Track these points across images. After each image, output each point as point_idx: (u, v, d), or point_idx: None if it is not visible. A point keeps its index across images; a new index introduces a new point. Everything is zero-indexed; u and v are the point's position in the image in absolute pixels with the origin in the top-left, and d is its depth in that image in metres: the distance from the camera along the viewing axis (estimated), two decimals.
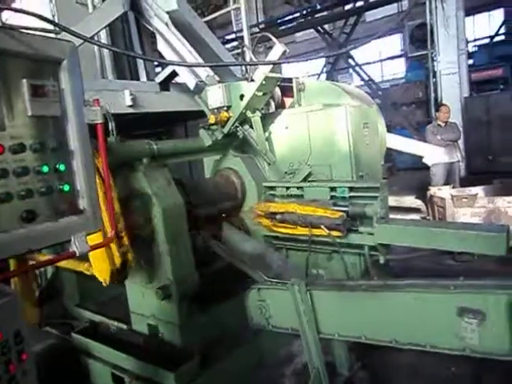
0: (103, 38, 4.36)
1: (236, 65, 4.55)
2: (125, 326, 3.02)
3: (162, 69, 4.40)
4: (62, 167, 1.57)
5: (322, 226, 2.78)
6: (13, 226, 1.42)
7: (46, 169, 1.51)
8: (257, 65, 3.10)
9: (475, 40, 16.14)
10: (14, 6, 5.05)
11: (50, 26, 2.74)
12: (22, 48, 1.46)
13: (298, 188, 3.11)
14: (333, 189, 2.93)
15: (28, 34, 1.53)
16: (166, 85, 4.12)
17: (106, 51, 4.50)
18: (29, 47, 1.48)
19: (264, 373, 2.87)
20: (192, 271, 2.76)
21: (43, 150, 1.51)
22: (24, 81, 1.47)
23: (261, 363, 2.92)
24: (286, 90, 3.68)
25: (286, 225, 2.99)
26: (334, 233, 2.78)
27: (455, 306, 1.84)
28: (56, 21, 4.03)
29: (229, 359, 2.76)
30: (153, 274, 2.70)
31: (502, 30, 14.38)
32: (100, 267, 2.27)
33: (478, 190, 5.60)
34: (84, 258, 2.19)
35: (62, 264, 2.49)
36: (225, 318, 2.89)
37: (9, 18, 4.28)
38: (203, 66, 3.68)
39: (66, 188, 1.58)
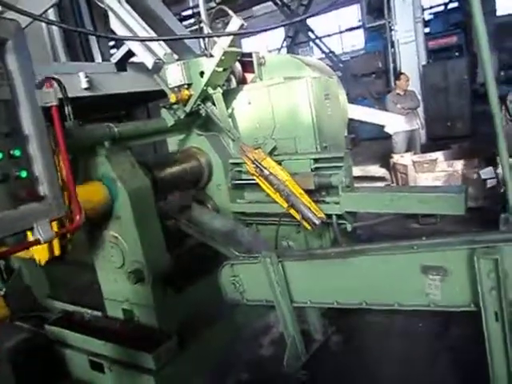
0: (52, 17, 4.14)
1: (192, 37, 4.45)
2: (99, 314, 3.00)
3: (117, 49, 4.24)
4: (17, 153, 1.51)
5: (299, 215, 2.73)
6: None
7: None
8: (213, 37, 3.03)
9: (431, 8, 16.36)
10: None
11: None
12: None
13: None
14: (317, 160, 2.90)
15: None
16: (122, 65, 3.98)
17: (56, 32, 4.28)
18: None
19: (242, 345, 2.93)
20: (163, 252, 2.75)
21: None
22: None
23: (238, 337, 2.98)
24: (247, 66, 3.63)
25: (266, 183, 2.90)
26: (306, 223, 2.74)
27: (419, 265, 1.93)
28: None
29: (206, 337, 2.80)
30: (123, 258, 2.67)
31: None
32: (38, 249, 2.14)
33: (438, 155, 5.79)
34: None
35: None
36: (200, 296, 2.90)
37: None
38: (158, 40, 3.55)
39: (24, 174, 1.52)
